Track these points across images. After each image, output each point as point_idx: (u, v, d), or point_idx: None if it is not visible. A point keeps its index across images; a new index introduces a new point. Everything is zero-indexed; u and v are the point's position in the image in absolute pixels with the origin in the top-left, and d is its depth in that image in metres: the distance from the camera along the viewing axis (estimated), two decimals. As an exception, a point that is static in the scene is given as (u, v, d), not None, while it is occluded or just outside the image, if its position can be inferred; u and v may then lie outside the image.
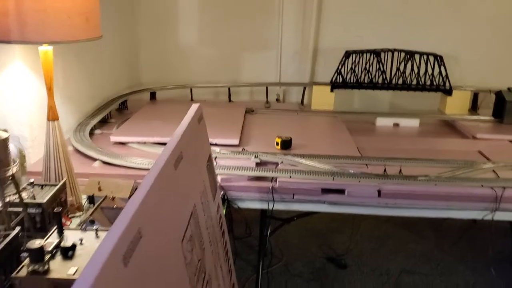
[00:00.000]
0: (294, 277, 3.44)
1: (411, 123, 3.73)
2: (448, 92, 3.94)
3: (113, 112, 3.56)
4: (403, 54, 3.96)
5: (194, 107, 1.76)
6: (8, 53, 2.29)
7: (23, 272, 1.29)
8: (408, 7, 4.27)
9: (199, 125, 1.72)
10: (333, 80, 3.96)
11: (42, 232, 1.75)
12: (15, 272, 1.29)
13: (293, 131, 3.08)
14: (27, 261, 1.31)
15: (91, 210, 1.85)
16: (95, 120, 3.10)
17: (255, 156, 2.63)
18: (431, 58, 3.94)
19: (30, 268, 1.29)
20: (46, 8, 1.78)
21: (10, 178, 1.57)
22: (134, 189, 2.15)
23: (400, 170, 2.52)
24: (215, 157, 2.67)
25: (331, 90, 3.92)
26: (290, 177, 2.38)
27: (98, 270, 0.74)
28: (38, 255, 1.31)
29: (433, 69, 3.96)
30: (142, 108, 3.67)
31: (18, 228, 1.49)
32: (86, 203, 2.12)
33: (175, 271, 1.18)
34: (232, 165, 2.50)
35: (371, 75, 4.00)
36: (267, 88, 4.17)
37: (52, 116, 2.02)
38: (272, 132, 3.10)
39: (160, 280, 1.04)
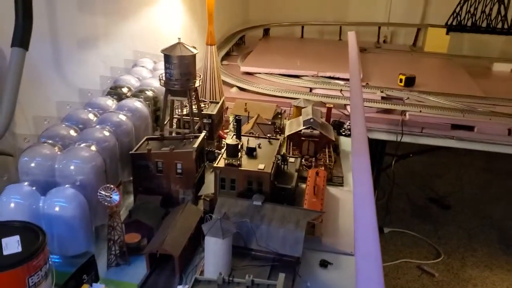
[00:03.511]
0: (397, 212, 3.59)
1: (531, 70, 3.60)
2: None
3: (233, 46, 3.76)
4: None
5: (352, 35, 1.88)
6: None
7: (221, 163, 1.53)
8: None
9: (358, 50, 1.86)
10: (449, 22, 3.87)
11: (209, 140, 2.01)
12: (215, 163, 1.54)
13: (410, 70, 3.09)
14: (224, 155, 1.55)
15: (250, 124, 2.07)
16: (223, 52, 3.31)
17: (381, 91, 2.72)
18: (560, 2, 3.72)
19: (228, 161, 1.53)
20: None
21: (194, 90, 1.81)
22: (276, 111, 2.35)
23: (531, 112, 2.51)
24: (341, 90, 2.80)
25: (447, 33, 3.85)
26: (420, 111, 2.47)
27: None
28: (234, 151, 1.54)
29: (560, 14, 3.75)
30: (258, 43, 3.84)
31: (204, 132, 1.75)
32: (233, 122, 2.36)
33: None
34: (359, 97, 2.62)
35: (490, 18, 3.86)
36: (379, 28, 4.16)
37: (211, 41, 2.24)
38: (389, 70, 3.16)
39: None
